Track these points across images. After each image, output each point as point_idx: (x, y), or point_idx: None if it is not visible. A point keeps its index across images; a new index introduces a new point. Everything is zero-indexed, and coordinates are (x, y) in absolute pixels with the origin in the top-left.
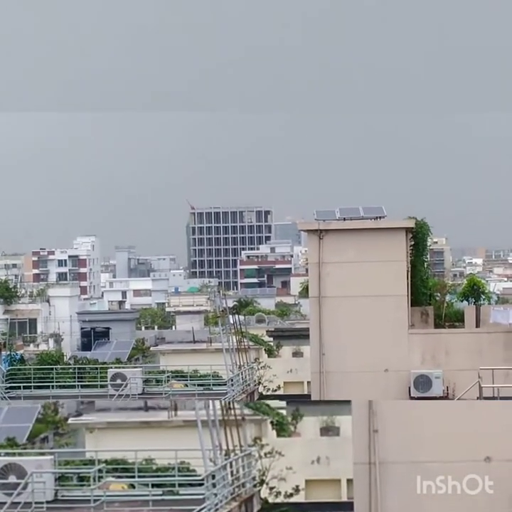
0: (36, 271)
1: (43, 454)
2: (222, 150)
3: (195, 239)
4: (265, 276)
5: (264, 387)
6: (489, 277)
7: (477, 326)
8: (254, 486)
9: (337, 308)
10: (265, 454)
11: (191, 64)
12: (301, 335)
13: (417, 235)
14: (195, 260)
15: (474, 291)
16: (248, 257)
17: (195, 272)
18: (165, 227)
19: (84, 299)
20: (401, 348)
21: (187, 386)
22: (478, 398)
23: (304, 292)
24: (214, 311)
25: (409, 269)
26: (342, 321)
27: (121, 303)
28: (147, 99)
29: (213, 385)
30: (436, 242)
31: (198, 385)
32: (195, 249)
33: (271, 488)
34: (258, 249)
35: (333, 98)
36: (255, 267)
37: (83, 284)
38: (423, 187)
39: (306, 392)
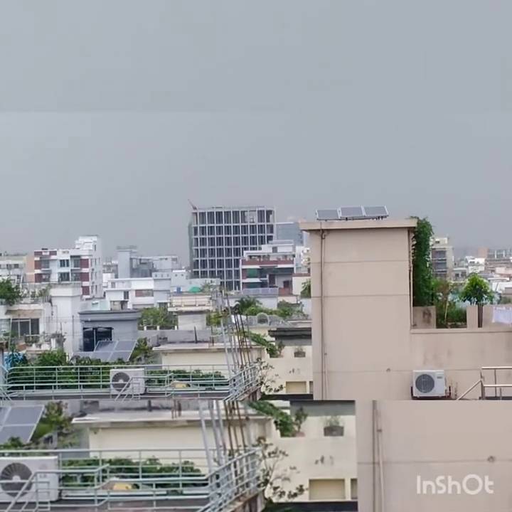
0: (38, 271)
1: (46, 454)
2: (222, 150)
3: (197, 239)
4: (267, 276)
5: (267, 387)
6: (491, 277)
7: (479, 325)
8: (258, 485)
9: (339, 307)
10: (269, 454)
11: (191, 64)
12: (304, 335)
13: (419, 235)
14: (197, 260)
15: (476, 291)
16: (250, 256)
17: (197, 271)
18: (167, 227)
19: (86, 299)
20: (403, 348)
21: (189, 386)
22: (480, 398)
23: (306, 292)
24: (216, 310)
25: (412, 268)
26: (344, 320)
27: (123, 303)
28: (147, 99)
29: (215, 385)
30: (438, 242)
31: (200, 385)
32: (197, 249)
33: (275, 488)
34: (260, 249)
35: (333, 98)
36: (257, 266)
37: (85, 284)
38: (424, 187)
39: (308, 392)
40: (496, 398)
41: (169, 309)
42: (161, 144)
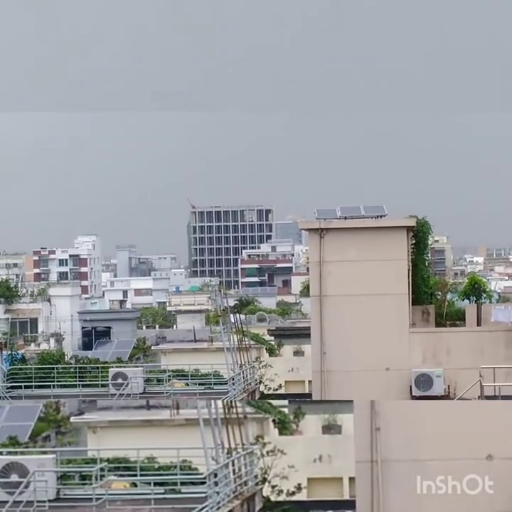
0: (37, 270)
1: (44, 452)
2: (222, 150)
3: (196, 238)
4: (266, 275)
5: (265, 386)
6: (490, 276)
7: (478, 324)
8: (256, 484)
9: (338, 307)
10: (267, 453)
11: (191, 64)
12: (302, 334)
13: (418, 234)
14: (196, 259)
15: (475, 290)
16: (249, 256)
17: (196, 271)
18: (166, 227)
19: (85, 298)
20: (402, 347)
21: (188, 385)
22: (479, 397)
23: (305, 291)
24: (215, 310)
25: (410, 267)
26: (343, 319)
27: (122, 302)
28: (147, 99)
29: (214, 384)
30: (437, 241)
31: (199, 384)
32: (196, 248)
33: (273, 487)
34: (259, 248)
35: (333, 98)
36: (256, 265)
37: (84, 283)
38: (424, 186)
39: (307, 391)
40: (495, 397)
41: (168, 308)
42: (161, 144)
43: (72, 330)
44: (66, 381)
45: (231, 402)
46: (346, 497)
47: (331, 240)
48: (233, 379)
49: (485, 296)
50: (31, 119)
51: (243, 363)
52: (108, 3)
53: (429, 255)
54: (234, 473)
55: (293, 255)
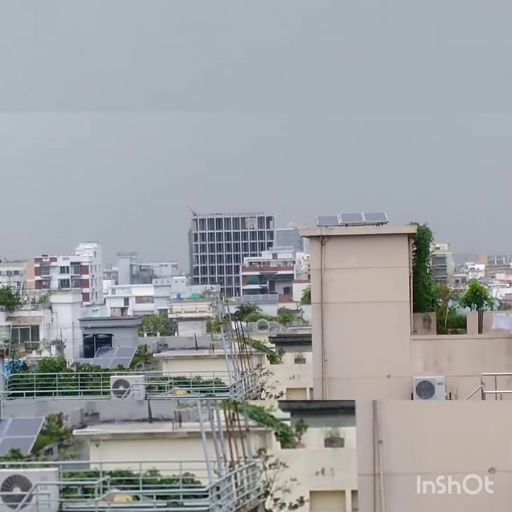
0: (38, 278)
1: (47, 465)
2: (222, 150)
3: (197, 245)
4: (267, 282)
5: (267, 393)
6: (491, 283)
7: (479, 331)
8: (259, 497)
9: (339, 314)
10: (270, 466)
11: (191, 64)
12: (304, 341)
13: (419, 241)
14: (197, 267)
15: (476, 297)
16: (250, 263)
17: (197, 278)
18: (167, 234)
19: (86, 305)
20: (403, 354)
21: (189, 393)
22: None
23: (307, 298)
24: (216, 317)
25: (412, 275)
26: (344, 327)
27: (123, 309)
28: (147, 99)
29: (216, 391)
30: (438, 248)
31: (201, 391)
32: (197, 256)
33: (275, 500)
34: (260, 255)
35: (333, 98)
36: (257, 273)
37: (85, 290)
38: (424, 188)
39: (308, 399)
40: None
41: (169, 316)
42: (161, 144)
43: (74, 337)
44: (67, 389)
45: (234, 413)
46: (349, 510)
47: (332, 247)
48: (235, 386)
49: (486, 303)
50: (31, 119)
51: (244, 370)
52: (108, 3)
53: (430, 262)
54: (236, 487)
55: (294, 262)
